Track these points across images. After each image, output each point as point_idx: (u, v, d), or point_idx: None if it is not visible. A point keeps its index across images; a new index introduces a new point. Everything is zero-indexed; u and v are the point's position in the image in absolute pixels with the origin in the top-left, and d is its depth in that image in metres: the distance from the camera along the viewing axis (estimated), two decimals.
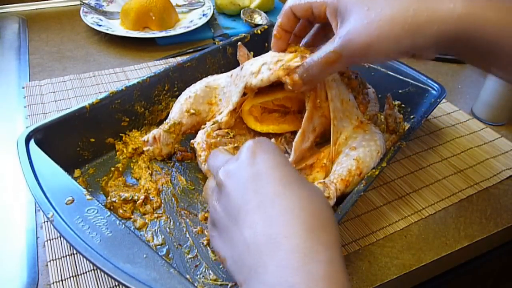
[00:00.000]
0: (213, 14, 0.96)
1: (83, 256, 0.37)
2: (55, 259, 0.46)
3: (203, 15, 0.94)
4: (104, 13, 0.94)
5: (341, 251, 0.30)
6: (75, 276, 0.45)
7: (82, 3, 0.93)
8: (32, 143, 0.48)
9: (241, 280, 0.30)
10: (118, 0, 0.98)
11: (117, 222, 0.40)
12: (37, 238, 0.49)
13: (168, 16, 0.90)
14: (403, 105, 0.67)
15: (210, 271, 0.45)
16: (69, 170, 0.51)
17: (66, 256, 0.46)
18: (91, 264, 0.46)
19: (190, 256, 0.47)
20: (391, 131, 0.58)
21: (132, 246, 0.38)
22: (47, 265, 0.46)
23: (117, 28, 0.89)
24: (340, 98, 0.52)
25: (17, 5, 0.98)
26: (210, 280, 0.45)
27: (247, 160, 0.33)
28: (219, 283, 0.44)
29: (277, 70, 0.48)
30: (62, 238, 0.48)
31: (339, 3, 0.41)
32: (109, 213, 0.41)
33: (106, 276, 0.45)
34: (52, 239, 0.48)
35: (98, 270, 0.45)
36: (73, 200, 0.42)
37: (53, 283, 0.44)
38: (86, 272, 0.45)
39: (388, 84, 0.67)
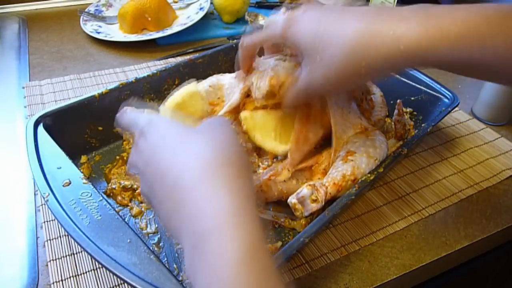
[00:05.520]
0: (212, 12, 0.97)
1: (70, 236, 0.39)
2: (55, 259, 0.46)
3: (200, 9, 0.94)
4: (104, 19, 0.94)
5: (249, 179, 0.33)
6: (75, 276, 0.45)
7: (81, 12, 0.93)
8: (40, 127, 0.50)
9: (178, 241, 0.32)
10: (116, 4, 0.98)
11: (108, 206, 0.41)
12: (37, 238, 0.49)
13: (164, 15, 0.89)
14: (415, 113, 0.66)
15: None
16: (76, 156, 0.54)
17: (66, 256, 0.46)
18: (91, 264, 0.46)
19: (180, 246, 0.48)
20: (399, 138, 0.58)
21: (118, 230, 0.39)
22: (47, 265, 0.46)
23: (116, 32, 0.89)
24: (340, 112, 0.51)
25: (17, 5, 0.98)
26: None
27: (144, 138, 0.36)
28: None
29: (263, 91, 0.49)
30: (62, 238, 0.48)
31: (295, 40, 0.42)
32: (101, 198, 0.42)
33: (106, 276, 0.45)
34: (52, 239, 0.48)
35: (98, 270, 0.45)
36: (70, 183, 0.44)
37: (53, 283, 0.44)
38: (86, 272, 0.45)
39: (400, 90, 0.66)
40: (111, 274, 0.45)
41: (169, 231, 0.34)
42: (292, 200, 0.45)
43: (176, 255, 0.47)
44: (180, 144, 0.33)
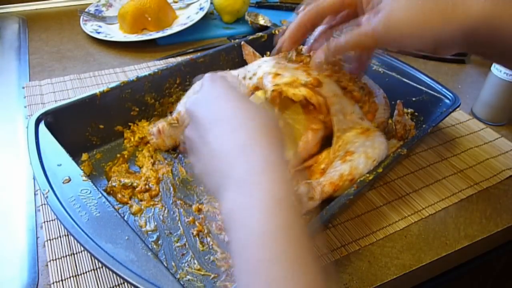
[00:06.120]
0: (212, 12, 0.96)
1: (69, 233, 0.39)
2: (55, 259, 0.46)
3: (200, 9, 0.94)
4: (104, 19, 0.94)
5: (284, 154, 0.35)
6: (75, 276, 0.45)
7: (81, 12, 0.93)
8: (42, 125, 0.50)
9: (214, 186, 0.35)
10: (116, 4, 0.98)
11: (107, 204, 0.42)
12: (37, 238, 0.49)
13: (164, 15, 0.90)
14: (416, 113, 0.66)
15: (195, 261, 0.46)
16: (77, 153, 0.55)
17: (66, 256, 0.46)
18: (91, 264, 0.46)
19: (178, 244, 0.48)
20: (400, 138, 0.58)
21: (117, 227, 0.40)
22: (47, 265, 0.46)
23: (116, 32, 0.90)
24: (342, 112, 0.51)
25: (17, 5, 0.98)
26: (194, 269, 0.46)
27: (208, 87, 0.39)
28: (202, 273, 0.45)
29: (269, 91, 0.48)
30: (62, 238, 0.48)
31: None
32: (100, 195, 0.43)
33: (106, 276, 0.45)
34: (52, 239, 0.48)
35: (98, 270, 0.45)
36: (70, 180, 0.44)
37: (53, 283, 0.44)
38: (86, 272, 0.45)
39: (402, 91, 0.66)
40: (111, 274, 0.45)
41: (206, 173, 0.36)
42: None
43: (175, 253, 0.47)
44: (242, 103, 0.37)
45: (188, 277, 0.45)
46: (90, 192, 0.43)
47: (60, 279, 0.44)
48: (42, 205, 0.52)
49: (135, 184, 0.54)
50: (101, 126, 0.58)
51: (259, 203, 0.31)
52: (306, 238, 0.31)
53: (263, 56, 0.66)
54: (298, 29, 0.49)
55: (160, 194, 0.54)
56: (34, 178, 0.46)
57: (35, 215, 0.51)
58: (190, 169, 0.57)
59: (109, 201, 0.42)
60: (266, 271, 0.28)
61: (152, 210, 0.52)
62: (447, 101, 0.62)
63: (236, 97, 0.37)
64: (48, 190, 0.42)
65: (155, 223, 0.50)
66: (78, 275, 0.45)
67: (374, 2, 0.43)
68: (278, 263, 0.28)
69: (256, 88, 0.52)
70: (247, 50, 0.65)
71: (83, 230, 0.39)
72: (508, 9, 0.38)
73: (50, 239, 0.48)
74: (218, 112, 0.36)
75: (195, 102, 0.38)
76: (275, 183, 0.32)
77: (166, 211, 0.52)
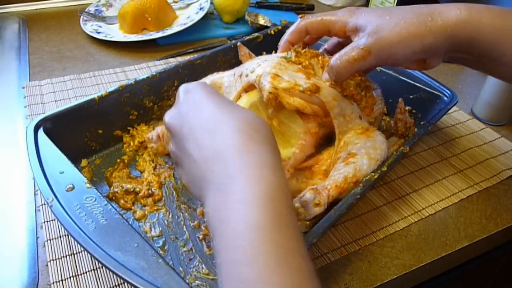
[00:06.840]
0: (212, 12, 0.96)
1: (77, 242, 0.38)
2: (55, 259, 0.46)
3: (200, 9, 0.94)
4: (104, 19, 0.94)
5: (275, 151, 0.35)
6: (75, 276, 0.45)
7: (81, 12, 0.93)
8: (40, 131, 0.50)
9: (198, 193, 0.36)
10: (116, 4, 0.98)
11: (113, 211, 0.41)
12: (37, 238, 0.49)
13: (164, 15, 0.89)
14: (413, 111, 0.66)
15: (203, 265, 0.46)
16: (76, 159, 0.54)
17: (66, 256, 0.46)
18: (91, 264, 0.46)
19: (185, 249, 0.48)
20: (400, 135, 0.58)
21: (125, 235, 0.39)
22: (47, 265, 0.46)
23: (116, 32, 0.89)
24: (342, 114, 0.51)
25: (17, 5, 0.98)
26: (203, 274, 0.45)
27: (183, 98, 0.39)
28: (211, 277, 0.45)
29: (266, 92, 0.48)
30: (62, 238, 0.48)
31: (359, 19, 0.46)
32: (106, 202, 0.42)
33: (106, 276, 0.45)
34: (52, 239, 0.48)
35: (98, 270, 0.45)
36: (73, 187, 0.43)
37: (53, 283, 0.44)
38: (86, 272, 0.45)
39: (399, 89, 0.66)
40: (111, 274, 0.45)
41: (191, 182, 0.37)
42: (295, 204, 0.45)
43: (182, 258, 0.47)
44: (219, 107, 0.37)
45: (197, 282, 0.44)
46: (95, 199, 0.42)
47: (60, 279, 0.44)
48: (42, 205, 0.52)
49: (137, 189, 0.53)
50: (100, 131, 0.58)
51: (240, 201, 0.31)
52: (297, 232, 0.31)
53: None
54: (301, 28, 0.52)
55: (163, 198, 0.53)
56: (34, 179, 0.45)
57: (35, 215, 0.51)
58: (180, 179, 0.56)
59: (114, 208, 0.41)
60: (255, 262, 0.28)
61: (156, 215, 0.51)
62: (445, 98, 0.62)
63: (213, 102, 0.37)
64: (52, 199, 0.41)
65: (160, 228, 0.50)
66: (78, 275, 0.45)
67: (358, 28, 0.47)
68: (268, 256, 0.28)
69: (250, 86, 0.52)
70: (243, 51, 0.65)
71: (91, 239, 0.38)
72: (481, 18, 0.43)
73: (50, 239, 0.48)
74: (194, 120, 0.36)
75: (172, 116, 0.39)
76: (256, 180, 0.31)
77: (170, 216, 0.51)
